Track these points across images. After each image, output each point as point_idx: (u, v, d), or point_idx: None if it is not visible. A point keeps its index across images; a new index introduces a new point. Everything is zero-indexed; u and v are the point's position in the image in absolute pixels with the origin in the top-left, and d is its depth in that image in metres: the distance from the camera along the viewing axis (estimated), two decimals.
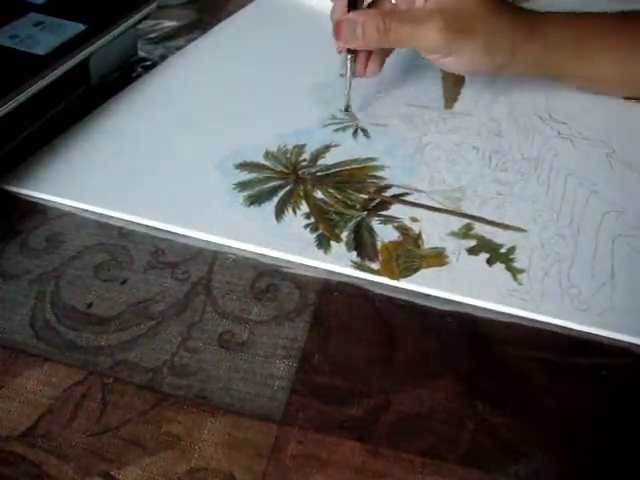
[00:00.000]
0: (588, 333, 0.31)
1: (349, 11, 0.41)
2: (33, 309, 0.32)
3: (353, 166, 0.41)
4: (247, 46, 0.53)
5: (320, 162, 0.41)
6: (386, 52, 0.44)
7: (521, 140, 0.43)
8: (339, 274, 0.34)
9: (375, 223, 0.36)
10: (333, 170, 0.40)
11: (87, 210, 0.37)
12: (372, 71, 0.44)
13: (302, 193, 0.38)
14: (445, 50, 0.40)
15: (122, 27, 0.46)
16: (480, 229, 0.36)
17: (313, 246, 0.35)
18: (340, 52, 0.43)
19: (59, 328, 0.31)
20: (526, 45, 0.41)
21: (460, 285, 0.33)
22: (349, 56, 0.42)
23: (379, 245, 0.35)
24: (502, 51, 0.41)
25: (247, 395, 0.28)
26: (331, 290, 0.33)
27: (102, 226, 0.36)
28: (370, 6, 0.43)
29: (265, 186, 0.39)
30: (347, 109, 0.45)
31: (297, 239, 0.35)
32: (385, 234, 0.36)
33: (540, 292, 0.33)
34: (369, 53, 0.43)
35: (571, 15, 0.43)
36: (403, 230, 0.36)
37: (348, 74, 0.43)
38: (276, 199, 0.38)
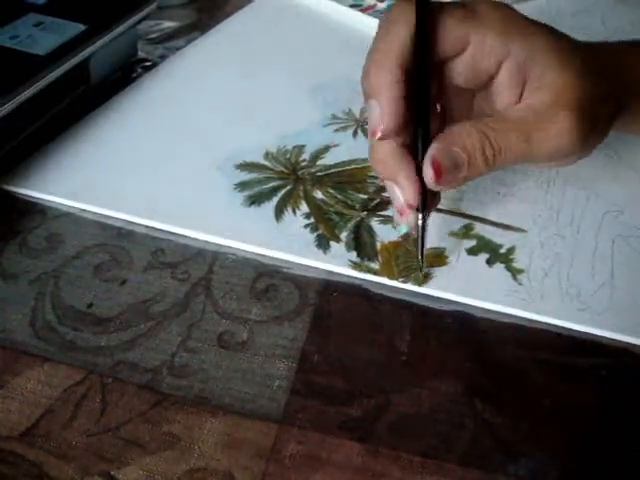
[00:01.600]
0: (588, 333, 0.31)
1: (417, 134, 0.30)
2: (33, 309, 0.32)
3: (353, 166, 0.41)
4: (247, 46, 0.53)
5: (320, 162, 0.41)
6: None
7: None
8: (339, 274, 0.34)
9: (375, 223, 0.36)
10: (333, 170, 0.40)
11: (87, 210, 0.37)
12: (435, 205, 0.33)
13: (302, 193, 0.38)
14: (580, 153, 0.31)
15: (122, 27, 0.46)
16: (480, 229, 0.36)
17: (313, 246, 0.35)
18: (403, 213, 0.31)
19: (59, 328, 0.31)
20: (631, 100, 0.32)
21: (460, 285, 0.33)
22: (420, 215, 0.31)
23: (379, 245, 0.35)
24: (615, 115, 0.32)
25: (247, 395, 0.28)
26: (331, 290, 0.33)
27: (102, 226, 0.36)
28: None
29: (265, 186, 0.39)
30: (426, 277, 0.33)
31: (297, 239, 0.35)
32: (385, 234, 0.36)
33: (540, 292, 0.33)
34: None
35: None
36: None
37: (421, 235, 0.31)
38: (276, 199, 0.38)
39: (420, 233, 0.31)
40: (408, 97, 0.29)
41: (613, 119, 0.32)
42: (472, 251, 0.35)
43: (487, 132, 0.29)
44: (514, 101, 0.31)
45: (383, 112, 0.29)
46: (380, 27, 0.30)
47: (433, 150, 0.29)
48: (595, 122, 0.30)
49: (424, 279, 0.33)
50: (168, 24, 0.57)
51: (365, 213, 0.37)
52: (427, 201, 0.30)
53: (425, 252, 0.32)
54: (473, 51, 0.30)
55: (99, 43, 0.44)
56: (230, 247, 0.35)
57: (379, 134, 0.29)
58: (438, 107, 0.32)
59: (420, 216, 0.31)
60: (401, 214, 0.31)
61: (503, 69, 0.30)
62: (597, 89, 0.30)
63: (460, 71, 0.31)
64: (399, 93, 0.29)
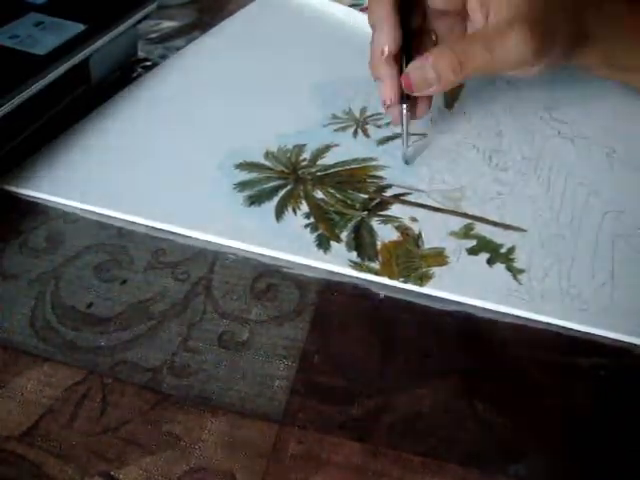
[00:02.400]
0: (588, 333, 0.31)
1: (401, 53, 0.38)
2: (33, 309, 0.32)
3: (353, 166, 0.41)
4: (247, 46, 0.53)
5: (320, 162, 0.41)
6: None
7: (521, 140, 0.43)
8: (339, 274, 0.34)
9: (375, 223, 0.36)
10: (333, 170, 0.40)
11: (87, 210, 0.37)
12: (423, 112, 0.41)
13: (302, 193, 0.38)
14: (534, 59, 0.35)
15: (122, 27, 0.46)
16: (480, 229, 0.36)
17: (313, 246, 0.35)
18: (388, 106, 0.39)
19: (59, 328, 0.31)
20: (594, 25, 0.37)
21: (460, 285, 0.33)
22: (404, 106, 0.39)
23: (379, 245, 0.35)
24: (578, 37, 0.37)
25: (247, 395, 0.28)
26: (331, 290, 0.33)
27: (102, 226, 0.36)
28: (413, 48, 0.39)
29: (265, 186, 0.39)
30: (407, 162, 0.41)
31: (297, 239, 0.35)
32: (385, 234, 0.36)
33: (540, 292, 0.33)
34: (416, 97, 0.39)
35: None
36: (403, 230, 0.36)
37: (405, 125, 0.39)
38: (276, 199, 0.38)
39: (404, 123, 0.40)
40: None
41: (575, 39, 0.37)
42: (472, 251, 0.35)
43: (454, 47, 0.35)
44: (483, 22, 0.36)
45: (386, 36, 0.38)
46: None
47: (409, 67, 0.37)
48: (550, 34, 0.35)
49: (423, 281, 0.33)
50: (168, 24, 0.57)
51: (365, 213, 0.37)
52: (408, 98, 0.39)
53: (409, 142, 0.40)
54: None
55: (99, 43, 0.44)
56: (230, 247, 0.35)
57: (386, 53, 0.38)
58: (434, 37, 0.40)
59: (404, 107, 0.39)
60: (384, 106, 0.39)
61: None
62: (552, 6, 0.35)
63: None
64: (396, 20, 0.37)
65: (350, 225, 0.36)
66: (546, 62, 0.36)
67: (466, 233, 0.36)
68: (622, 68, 0.41)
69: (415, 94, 0.37)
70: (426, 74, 0.36)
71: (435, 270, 0.34)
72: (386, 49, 0.38)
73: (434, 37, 0.40)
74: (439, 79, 0.36)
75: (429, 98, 0.41)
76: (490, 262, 0.34)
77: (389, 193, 0.39)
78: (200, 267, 0.34)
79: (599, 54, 0.39)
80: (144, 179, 0.39)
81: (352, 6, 0.58)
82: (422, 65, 0.36)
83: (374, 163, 0.41)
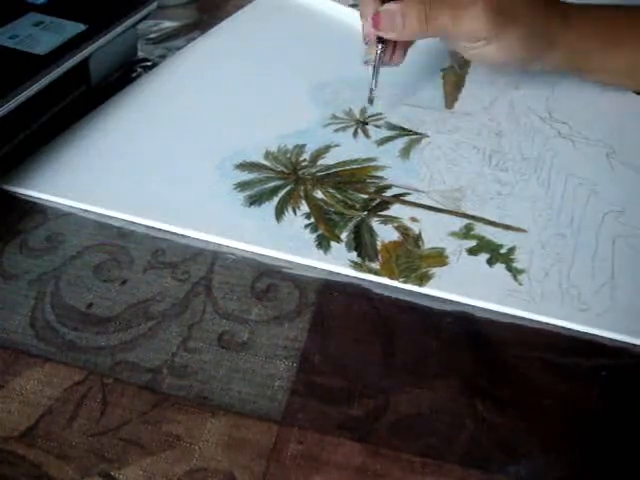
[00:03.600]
0: (588, 333, 0.31)
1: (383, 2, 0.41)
2: (33, 309, 0.32)
3: (353, 166, 0.41)
4: (247, 46, 0.53)
5: (320, 162, 0.41)
6: (409, 42, 0.44)
7: (521, 140, 0.43)
8: (339, 274, 0.34)
9: (375, 223, 0.36)
10: (333, 170, 0.40)
11: (87, 210, 0.37)
12: (397, 60, 0.44)
13: (302, 193, 0.38)
14: (489, 35, 0.40)
15: (122, 27, 0.46)
16: (480, 229, 0.36)
17: (313, 246, 0.35)
18: (367, 42, 0.42)
19: (59, 328, 0.31)
20: (561, 35, 0.42)
21: (460, 285, 0.33)
22: (379, 46, 0.42)
23: (379, 245, 0.35)
24: (541, 40, 0.41)
25: (247, 395, 0.28)
26: (331, 290, 0.33)
27: (102, 226, 0.36)
28: None
29: (265, 186, 0.39)
30: (371, 102, 0.44)
31: (297, 239, 0.35)
32: (385, 234, 0.36)
33: (540, 292, 0.33)
34: (394, 43, 0.43)
35: (604, 7, 0.43)
36: (403, 230, 0.36)
37: (376, 65, 0.42)
38: (276, 199, 0.38)
39: (376, 64, 0.42)
40: None
41: (540, 41, 0.41)
42: (472, 251, 0.35)
43: (426, 4, 0.39)
44: None
45: None
46: None
47: (381, 8, 0.40)
48: (510, 18, 0.40)
49: (423, 281, 0.33)
50: (168, 24, 0.57)
51: (365, 213, 0.37)
52: (384, 42, 0.42)
53: (377, 84, 0.43)
54: None
55: (99, 43, 0.44)
56: (230, 247, 0.35)
57: None
58: None
59: (379, 46, 0.41)
60: (375, 28, 0.41)
61: None
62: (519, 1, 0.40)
63: None
64: None
65: (350, 225, 0.36)
66: (503, 48, 0.41)
67: (466, 233, 0.36)
68: (586, 68, 0.45)
69: (380, 34, 0.41)
70: (394, 18, 0.40)
71: (435, 270, 0.34)
72: None
73: None
74: (404, 24, 0.40)
75: (405, 47, 0.44)
76: (490, 262, 0.34)
77: (389, 193, 0.39)
78: (200, 267, 0.34)
79: (562, 57, 0.43)
80: (144, 179, 0.39)
81: (352, 6, 0.58)
82: (393, 9, 0.40)
83: (374, 163, 0.41)
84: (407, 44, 0.44)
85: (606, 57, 0.43)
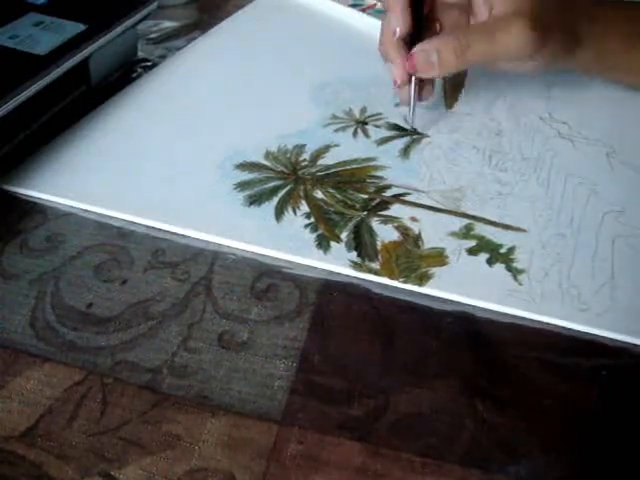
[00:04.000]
0: (588, 333, 0.31)
1: (412, 38, 0.40)
2: (33, 309, 0.32)
3: (353, 166, 0.41)
4: (247, 46, 0.53)
5: (320, 162, 0.41)
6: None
7: (521, 140, 0.43)
8: (339, 274, 0.34)
9: (375, 223, 0.36)
10: (333, 170, 0.40)
11: (87, 210, 0.37)
12: (428, 95, 0.43)
13: (302, 193, 0.38)
14: (532, 52, 0.38)
15: (122, 27, 0.46)
16: (480, 229, 0.36)
17: (313, 246, 0.35)
18: (399, 86, 0.42)
19: (59, 328, 0.31)
20: (587, 32, 0.41)
21: (460, 285, 0.33)
22: (414, 86, 0.41)
23: (379, 245, 0.35)
24: (570, 41, 0.40)
25: (247, 395, 0.28)
26: (331, 290, 0.33)
27: (102, 226, 0.36)
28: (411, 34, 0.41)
29: (265, 186, 0.39)
30: (413, 127, 0.44)
31: (297, 239, 0.35)
32: (385, 234, 0.36)
33: (540, 292, 0.33)
34: (421, 80, 0.42)
35: (625, 2, 0.43)
36: (403, 230, 0.36)
37: (413, 104, 0.42)
38: (276, 199, 0.38)
39: (412, 101, 0.42)
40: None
41: (568, 42, 0.40)
42: (472, 251, 0.35)
43: (458, 34, 0.38)
44: (487, 15, 0.39)
45: (399, 19, 0.40)
46: None
47: (415, 49, 0.39)
48: (548, 29, 0.38)
49: (423, 281, 0.33)
50: (168, 24, 0.57)
51: (365, 213, 0.37)
52: (417, 80, 0.41)
53: (414, 113, 0.43)
54: None
55: (99, 43, 0.44)
56: (230, 247, 0.35)
57: (397, 35, 0.40)
58: (438, 26, 0.43)
59: (412, 86, 0.41)
60: (394, 86, 0.42)
61: None
62: (548, 6, 0.38)
63: None
64: (408, 4, 0.40)
65: (350, 225, 0.36)
66: (543, 58, 0.40)
67: (466, 233, 0.36)
68: (610, 68, 0.44)
69: (418, 75, 0.40)
70: (429, 56, 0.39)
71: (435, 270, 0.34)
72: (398, 30, 0.40)
73: (438, 27, 0.43)
74: (441, 62, 0.38)
75: (433, 83, 0.43)
76: (490, 262, 0.34)
77: (389, 193, 0.39)
78: (200, 267, 0.34)
79: (589, 57, 0.42)
80: (144, 179, 0.39)
81: (352, 6, 0.58)
82: (427, 48, 0.39)
83: (374, 163, 0.41)
84: (432, 79, 0.43)
85: (626, 58, 0.43)
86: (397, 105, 0.45)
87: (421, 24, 0.41)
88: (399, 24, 0.40)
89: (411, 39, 0.41)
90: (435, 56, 0.39)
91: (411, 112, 0.43)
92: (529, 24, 0.37)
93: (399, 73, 0.41)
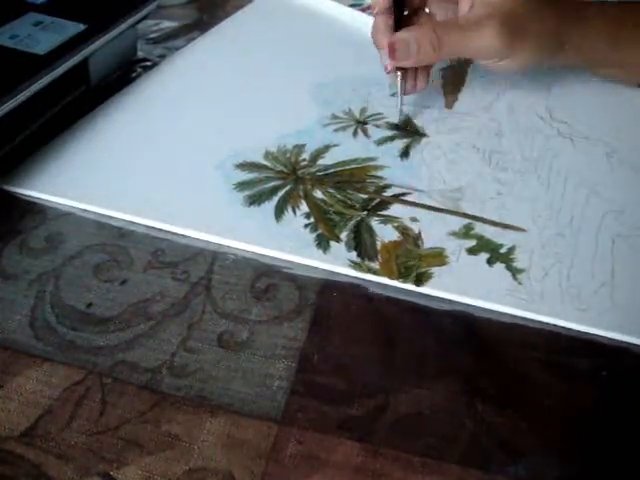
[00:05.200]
0: (588, 333, 0.31)
1: (396, 27, 0.41)
2: (33, 309, 0.32)
3: (353, 166, 0.41)
4: (247, 46, 0.53)
5: (320, 162, 0.41)
6: (429, 66, 0.44)
7: (521, 140, 0.43)
8: (339, 274, 0.34)
9: (375, 223, 0.36)
10: (333, 170, 0.40)
11: (87, 210, 0.37)
12: (422, 86, 0.44)
13: (302, 193, 0.38)
14: (502, 52, 0.40)
15: (122, 27, 0.46)
16: (480, 229, 0.36)
17: (313, 246, 0.35)
18: (389, 72, 0.43)
19: (59, 328, 0.31)
20: (572, 35, 0.41)
21: (460, 285, 0.33)
22: (399, 73, 0.42)
23: (379, 245, 0.35)
24: (553, 44, 0.41)
25: (247, 395, 0.28)
26: (331, 290, 0.33)
27: (102, 226, 0.36)
28: (407, 21, 0.43)
29: (265, 186, 0.39)
30: (400, 119, 0.44)
31: (297, 239, 0.35)
32: (385, 234, 0.36)
33: (540, 292, 0.33)
34: (416, 69, 0.43)
35: (611, 3, 0.43)
36: (403, 230, 0.36)
37: (399, 91, 0.43)
38: (276, 199, 0.38)
39: (399, 90, 0.43)
40: None
41: (550, 45, 0.41)
42: (472, 251, 0.35)
43: (437, 27, 0.40)
44: (467, 10, 0.40)
45: None
46: None
47: (395, 36, 0.40)
48: (521, 33, 0.39)
49: (423, 280, 0.33)
50: (168, 24, 0.57)
51: (365, 213, 0.37)
52: (402, 71, 0.42)
53: (403, 102, 0.44)
54: None
55: (99, 43, 0.44)
56: (230, 247, 0.35)
57: (376, 10, 0.42)
58: (427, 10, 0.44)
59: (399, 73, 0.42)
60: (385, 72, 0.42)
61: None
62: (527, 9, 0.39)
63: None
64: None
65: (350, 225, 0.36)
66: (518, 60, 0.41)
67: (466, 233, 0.36)
68: (601, 66, 0.46)
69: (396, 63, 0.41)
70: (408, 45, 0.40)
71: (435, 270, 0.34)
72: (378, 6, 0.42)
73: (427, 10, 0.44)
74: (418, 51, 0.40)
75: (426, 74, 0.44)
76: (490, 262, 0.34)
77: (389, 193, 0.39)
78: (200, 267, 0.34)
79: (576, 57, 0.43)
80: (144, 179, 0.39)
81: (352, 6, 0.58)
82: (405, 37, 0.40)
83: (374, 163, 0.41)
84: (428, 69, 0.44)
85: (614, 54, 0.43)
86: (393, 95, 0.45)
87: (410, 15, 0.43)
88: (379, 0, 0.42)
89: (398, 27, 0.42)
90: (414, 44, 0.40)
91: (399, 103, 0.44)
92: (499, 28, 0.39)
93: (385, 60, 0.42)
